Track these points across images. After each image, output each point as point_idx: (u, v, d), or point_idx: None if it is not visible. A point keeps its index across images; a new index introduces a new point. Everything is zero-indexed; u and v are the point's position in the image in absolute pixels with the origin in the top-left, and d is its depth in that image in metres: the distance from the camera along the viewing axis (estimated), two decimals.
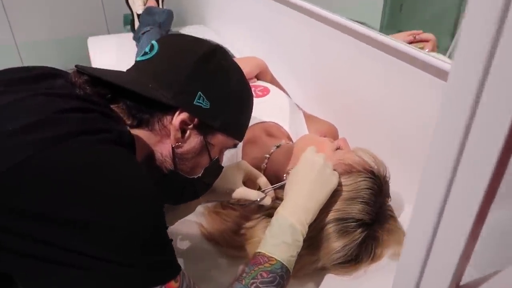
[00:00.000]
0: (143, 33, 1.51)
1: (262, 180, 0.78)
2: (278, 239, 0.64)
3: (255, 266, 0.61)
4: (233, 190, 0.74)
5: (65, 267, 0.44)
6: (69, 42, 2.34)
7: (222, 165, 0.71)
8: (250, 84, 1.04)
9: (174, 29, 1.79)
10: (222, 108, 0.63)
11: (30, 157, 0.44)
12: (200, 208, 0.84)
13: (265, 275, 0.60)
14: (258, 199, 0.74)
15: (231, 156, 0.88)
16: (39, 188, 0.43)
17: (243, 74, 0.68)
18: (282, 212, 0.67)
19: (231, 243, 0.79)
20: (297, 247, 0.65)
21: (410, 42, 1.05)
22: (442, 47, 1.04)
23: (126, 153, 0.51)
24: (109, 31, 2.44)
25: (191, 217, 0.80)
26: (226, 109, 0.63)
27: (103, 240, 0.45)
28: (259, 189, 0.78)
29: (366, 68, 1.00)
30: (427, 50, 1.03)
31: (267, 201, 0.75)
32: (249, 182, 0.79)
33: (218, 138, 0.65)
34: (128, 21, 1.85)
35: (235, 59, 1.00)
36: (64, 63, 2.34)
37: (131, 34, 1.78)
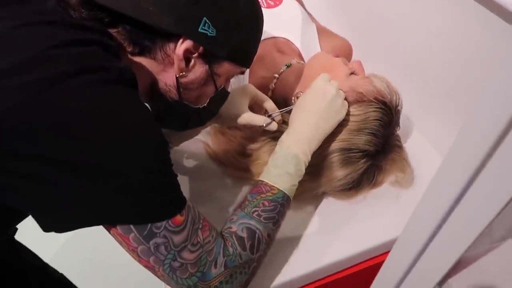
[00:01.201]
0: None
1: (269, 104, 0.76)
2: (281, 169, 0.64)
3: (257, 195, 0.63)
4: (238, 115, 0.72)
5: (69, 205, 0.45)
6: None
7: (228, 87, 0.69)
8: None
9: None
10: (229, 35, 0.58)
11: (26, 100, 0.42)
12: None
13: (266, 203, 0.62)
14: (264, 125, 0.73)
15: (236, 77, 0.85)
16: (39, 131, 0.42)
17: None
18: (286, 141, 0.67)
19: (235, 164, 0.80)
20: (299, 176, 0.66)
21: None
22: None
23: (127, 93, 0.49)
24: None
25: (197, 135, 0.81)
26: (233, 36, 0.58)
27: (105, 180, 0.45)
28: (265, 113, 0.77)
29: None
30: None
31: (273, 126, 0.74)
32: (256, 106, 0.77)
33: (225, 67, 0.61)
34: None
35: None
36: None
37: None
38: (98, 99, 0.45)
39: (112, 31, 0.54)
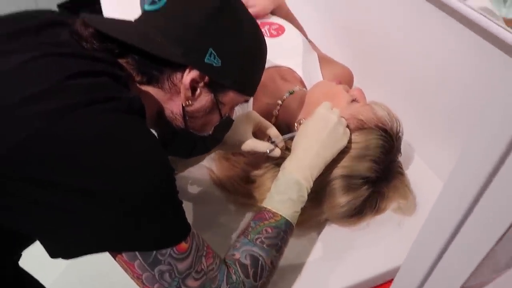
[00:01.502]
0: None
1: (272, 131, 0.77)
2: (284, 195, 0.65)
3: (260, 221, 0.63)
4: (242, 142, 0.74)
5: (77, 231, 0.47)
6: None
7: (233, 115, 0.70)
8: (265, 21, 0.99)
9: None
10: (234, 65, 0.60)
11: (40, 129, 0.43)
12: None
13: (269, 230, 0.62)
14: (268, 151, 0.74)
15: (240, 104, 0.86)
16: (50, 159, 0.44)
17: (257, 26, 0.64)
18: (289, 168, 0.68)
19: (239, 190, 0.81)
20: (302, 203, 0.67)
21: None
22: None
23: (136, 122, 0.50)
24: None
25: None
26: (238, 66, 0.61)
27: (113, 208, 0.46)
28: (268, 139, 0.78)
29: (392, 9, 0.92)
30: None
31: (277, 152, 0.75)
32: (259, 132, 0.78)
33: (229, 96, 0.63)
34: None
35: None
36: None
37: None
38: (108, 127, 0.47)
39: (122, 61, 0.57)
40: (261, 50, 0.64)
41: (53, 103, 0.45)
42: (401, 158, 0.80)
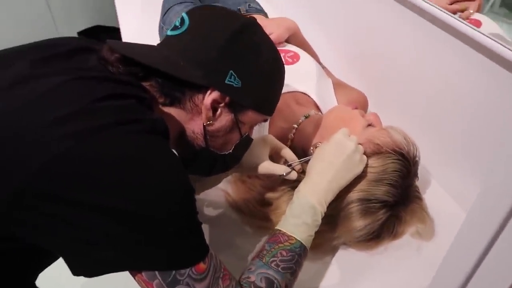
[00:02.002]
0: None
1: (289, 154, 0.78)
2: (298, 219, 0.65)
3: (275, 244, 0.63)
4: (259, 165, 0.75)
5: (99, 249, 0.48)
6: None
7: (252, 134, 0.71)
8: (280, 48, 1.01)
9: None
10: (253, 86, 0.62)
11: (68, 149, 0.45)
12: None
13: (284, 253, 0.62)
14: (284, 174, 0.75)
15: (258, 127, 0.88)
16: (77, 178, 0.45)
17: (275, 49, 0.66)
18: (304, 192, 0.68)
19: (255, 213, 0.81)
20: (316, 227, 0.67)
21: (454, 1, 0.98)
22: None
23: (160, 143, 0.52)
24: None
25: None
26: (257, 87, 0.63)
27: (136, 227, 0.47)
28: (284, 162, 0.79)
29: (405, 35, 0.94)
30: (471, 11, 0.96)
31: (293, 175, 0.75)
32: (275, 156, 0.79)
33: (249, 115, 0.64)
34: None
35: (265, 21, 0.95)
36: (90, 2, 2.32)
37: None
38: (133, 148, 0.49)
39: (146, 84, 0.59)
40: (279, 70, 0.66)
41: (81, 124, 0.47)
42: (418, 183, 0.80)
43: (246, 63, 0.60)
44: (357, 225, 0.73)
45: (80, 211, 0.45)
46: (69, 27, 2.33)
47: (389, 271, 0.74)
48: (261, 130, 0.88)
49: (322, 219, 0.68)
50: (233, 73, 0.59)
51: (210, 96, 0.59)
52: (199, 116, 0.61)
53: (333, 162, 0.69)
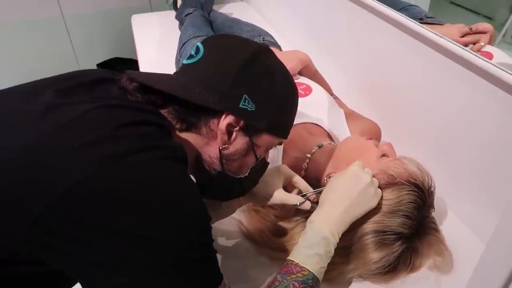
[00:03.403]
0: (186, 15, 1.51)
1: (302, 184, 0.78)
2: (311, 250, 0.65)
3: (288, 275, 0.63)
4: (272, 195, 0.75)
5: (116, 275, 0.48)
6: (113, 15, 2.38)
7: (268, 157, 0.72)
8: None
9: (214, 7, 1.78)
10: (267, 109, 0.63)
11: (93, 174, 0.47)
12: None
13: (297, 284, 0.61)
14: (298, 204, 0.74)
15: (271, 156, 0.88)
16: (101, 202, 0.47)
17: (288, 73, 0.67)
18: (317, 223, 0.68)
19: (269, 243, 0.80)
20: (328, 258, 0.67)
21: (466, 34, 1.00)
22: (498, 21, 0.97)
23: (180, 170, 0.54)
24: (152, 5, 2.45)
25: None
26: (271, 110, 0.64)
27: (154, 253, 0.48)
28: (298, 192, 0.79)
29: (418, 67, 0.95)
30: (482, 43, 0.97)
31: (307, 205, 0.75)
32: (289, 186, 0.79)
33: (264, 138, 0.65)
34: None
35: (278, 54, 0.99)
36: (109, 36, 2.42)
37: (173, 12, 1.78)
38: (155, 175, 0.50)
39: (163, 111, 0.61)
40: (292, 93, 0.67)
41: (106, 150, 0.49)
42: (434, 214, 0.79)
43: (259, 87, 0.62)
44: (372, 257, 0.72)
45: (99, 235, 0.47)
46: (89, 60, 2.42)
47: None
48: (275, 161, 0.89)
49: (337, 251, 0.68)
50: (247, 97, 0.60)
51: (225, 120, 0.60)
52: (214, 141, 0.63)
53: (348, 194, 0.69)
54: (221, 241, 0.85)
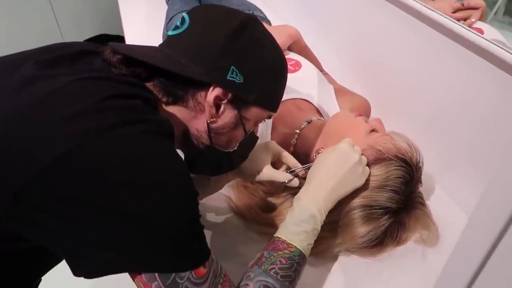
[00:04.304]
0: None
1: (291, 160, 0.78)
2: (298, 227, 0.65)
3: (274, 251, 0.63)
4: (260, 171, 0.74)
5: (101, 249, 0.48)
6: None
7: (257, 131, 0.71)
8: None
9: None
10: (255, 81, 0.62)
11: (77, 147, 0.46)
12: None
13: (283, 261, 0.61)
14: (286, 181, 0.74)
15: (261, 132, 0.88)
16: (85, 176, 0.46)
17: (277, 44, 0.66)
18: (304, 200, 0.68)
19: (258, 219, 0.81)
20: (315, 236, 0.67)
21: (458, 9, 0.99)
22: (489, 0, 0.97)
23: (165, 145, 0.53)
24: None
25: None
26: (259, 82, 0.62)
27: (140, 229, 0.47)
28: (287, 168, 0.79)
29: (408, 41, 0.94)
30: (473, 20, 0.96)
31: (295, 182, 0.75)
32: (277, 162, 0.79)
33: (253, 111, 0.64)
34: None
35: (268, 28, 0.96)
36: (95, 13, 2.36)
37: None
38: (139, 149, 0.49)
39: (149, 84, 0.60)
40: (281, 65, 0.66)
41: (90, 123, 0.47)
42: (422, 189, 0.79)
43: (247, 58, 0.60)
44: (360, 231, 0.72)
45: (83, 210, 0.46)
46: (75, 37, 2.37)
47: (393, 278, 0.73)
48: (264, 137, 0.88)
49: (324, 225, 0.68)
50: (235, 69, 0.59)
51: (213, 93, 0.59)
52: (202, 114, 0.61)
53: (336, 172, 0.69)
54: (210, 217, 0.85)
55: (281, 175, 0.74)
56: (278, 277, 0.59)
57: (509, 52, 0.70)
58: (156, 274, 0.49)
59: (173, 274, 0.49)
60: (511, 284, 0.35)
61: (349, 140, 0.73)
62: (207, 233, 0.80)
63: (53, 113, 0.48)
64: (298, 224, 0.65)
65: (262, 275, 0.59)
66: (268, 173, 0.74)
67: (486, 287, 0.38)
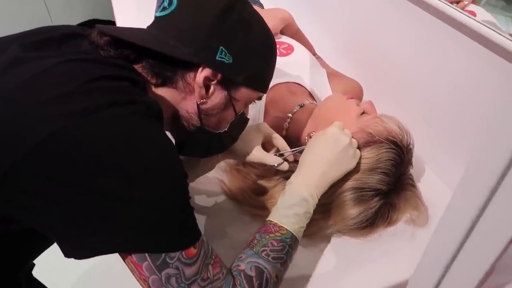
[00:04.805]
0: None
1: (281, 143, 0.78)
2: (290, 210, 0.65)
3: (266, 234, 0.63)
4: (250, 152, 0.74)
5: (90, 230, 0.48)
6: None
7: (247, 113, 0.71)
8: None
9: None
10: (245, 62, 0.61)
11: (64, 128, 0.45)
12: (222, 164, 0.85)
13: (275, 243, 0.62)
14: (276, 165, 0.74)
15: (253, 116, 0.88)
16: (73, 158, 0.46)
17: (265, 24, 0.65)
18: (295, 184, 0.68)
19: (250, 201, 0.81)
20: (307, 219, 0.67)
21: None
22: None
23: (153, 125, 0.52)
24: None
25: (213, 173, 0.83)
26: (249, 62, 0.62)
27: (130, 211, 0.47)
28: (277, 151, 0.79)
29: (400, 24, 0.94)
30: (466, 2, 0.96)
31: (285, 166, 0.74)
32: (268, 144, 0.79)
33: (243, 92, 0.64)
34: None
35: (260, 12, 0.96)
36: (87, 10, 2.32)
37: None
38: (127, 130, 0.49)
39: (137, 66, 0.59)
40: (270, 46, 0.65)
41: (76, 104, 0.47)
42: (412, 171, 0.80)
43: (236, 38, 0.60)
44: (351, 213, 0.73)
45: (72, 191, 0.46)
46: (65, 22, 2.33)
47: (383, 258, 0.75)
48: (256, 120, 0.88)
49: (316, 207, 0.68)
50: (224, 49, 0.58)
51: (202, 74, 0.59)
52: (192, 95, 0.61)
53: (327, 156, 0.69)
54: (203, 200, 0.85)
55: (270, 158, 0.74)
56: (270, 258, 0.60)
57: (500, 34, 0.70)
58: (146, 254, 0.49)
59: (163, 254, 0.49)
60: (490, 257, 0.36)
61: (339, 123, 0.73)
62: (201, 216, 0.81)
63: (39, 95, 0.48)
64: (289, 207, 0.66)
65: (253, 257, 0.60)
66: (258, 154, 0.74)
67: (468, 260, 0.39)
